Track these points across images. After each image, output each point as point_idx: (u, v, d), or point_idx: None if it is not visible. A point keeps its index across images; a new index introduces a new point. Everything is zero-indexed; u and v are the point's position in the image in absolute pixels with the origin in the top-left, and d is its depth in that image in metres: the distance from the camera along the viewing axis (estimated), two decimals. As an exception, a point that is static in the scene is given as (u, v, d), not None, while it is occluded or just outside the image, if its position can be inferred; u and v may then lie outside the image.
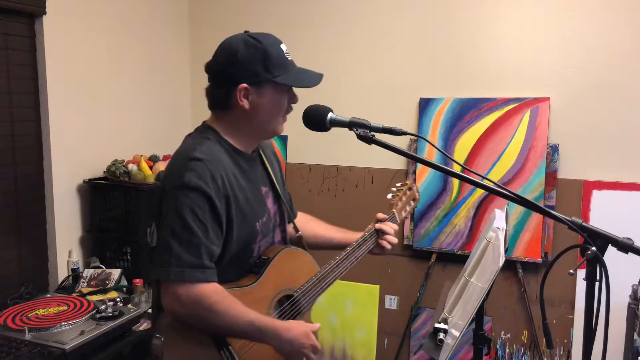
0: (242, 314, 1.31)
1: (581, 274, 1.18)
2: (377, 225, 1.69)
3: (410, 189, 1.88)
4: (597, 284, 1.08)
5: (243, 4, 3.28)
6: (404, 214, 1.83)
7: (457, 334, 1.37)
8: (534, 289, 2.78)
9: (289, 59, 1.41)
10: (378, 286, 3.10)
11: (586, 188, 2.68)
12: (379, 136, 1.31)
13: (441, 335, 1.41)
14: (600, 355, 1.11)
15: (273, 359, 1.40)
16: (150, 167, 2.73)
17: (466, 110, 2.82)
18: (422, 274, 2.99)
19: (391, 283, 3.09)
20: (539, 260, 2.71)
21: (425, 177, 2.92)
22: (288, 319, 1.46)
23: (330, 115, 1.36)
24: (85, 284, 2.47)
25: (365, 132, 1.30)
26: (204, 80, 1.48)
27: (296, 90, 1.45)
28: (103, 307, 2.13)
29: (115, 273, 2.53)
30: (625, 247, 1.05)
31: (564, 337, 2.77)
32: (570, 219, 1.10)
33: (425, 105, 2.91)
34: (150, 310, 2.31)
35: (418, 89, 2.94)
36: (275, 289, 1.47)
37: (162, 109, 3.23)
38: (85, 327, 2.01)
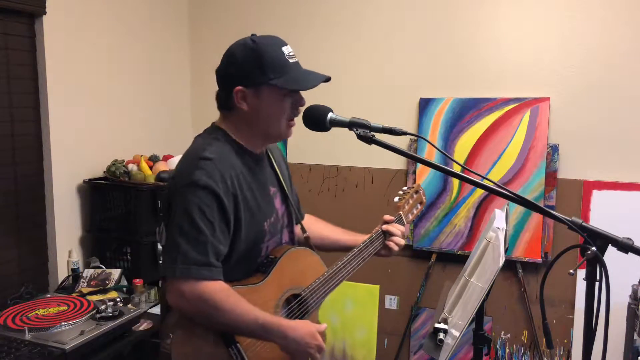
0: (248, 311, 1.31)
1: (581, 274, 1.17)
2: (384, 227, 1.69)
3: (417, 192, 1.88)
4: (597, 284, 1.09)
5: (243, 4, 3.28)
6: (410, 216, 1.83)
7: (457, 334, 1.37)
8: (534, 289, 2.78)
9: (291, 61, 1.40)
10: (378, 286, 3.11)
11: (586, 188, 2.68)
12: (379, 136, 1.31)
13: (441, 335, 1.41)
14: (600, 355, 1.11)
15: (281, 357, 1.41)
16: (150, 167, 2.73)
17: (466, 110, 2.83)
18: (422, 274, 2.99)
19: (391, 283, 3.09)
20: (539, 260, 2.71)
21: (425, 177, 2.92)
22: (295, 318, 1.46)
23: (330, 115, 1.37)
24: (85, 284, 2.47)
25: (365, 132, 1.30)
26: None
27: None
28: (103, 307, 2.13)
29: (115, 273, 2.53)
30: (625, 247, 1.05)
31: (564, 337, 2.77)
32: (570, 219, 1.10)
33: (425, 105, 2.91)
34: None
35: (418, 89, 2.94)
36: (282, 288, 1.48)
37: (162, 109, 3.23)
38: (85, 327, 2.00)
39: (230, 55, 1.41)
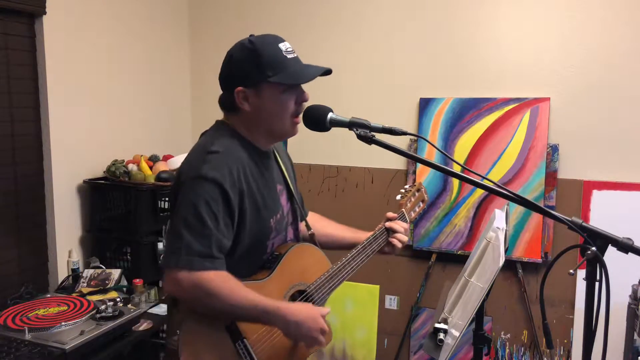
0: (246, 297, 1.31)
1: (581, 274, 1.18)
2: (388, 224, 1.70)
3: (419, 190, 1.89)
4: (597, 284, 1.09)
5: (243, 4, 3.28)
6: (413, 214, 1.84)
7: (457, 334, 1.37)
8: (534, 289, 2.78)
9: (290, 56, 1.40)
10: (378, 286, 3.11)
11: (586, 188, 2.68)
12: (379, 136, 1.31)
13: (441, 335, 1.41)
14: (600, 355, 1.11)
15: (289, 349, 1.41)
16: (150, 167, 2.73)
17: (466, 110, 2.82)
18: (422, 274, 2.99)
19: (391, 283, 3.09)
20: (539, 260, 2.71)
21: (425, 177, 2.92)
22: None
23: (330, 115, 1.37)
24: (85, 284, 2.47)
25: (365, 132, 1.31)
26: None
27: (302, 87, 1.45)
28: (103, 307, 2.13)
29: (115, 273, 2.53)
30: (625, 247, 1.06)
31: (564, 337, 2.77)
32: (570, 219, 1.10)
33: (425, 105, 2.91)
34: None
35: (418, 89, 2.94)
36: (287, 284, 1.48)
37: (162, 109, 3.23)
38: (85, 327, 2.00)
39: (229, 57, 1.42)
